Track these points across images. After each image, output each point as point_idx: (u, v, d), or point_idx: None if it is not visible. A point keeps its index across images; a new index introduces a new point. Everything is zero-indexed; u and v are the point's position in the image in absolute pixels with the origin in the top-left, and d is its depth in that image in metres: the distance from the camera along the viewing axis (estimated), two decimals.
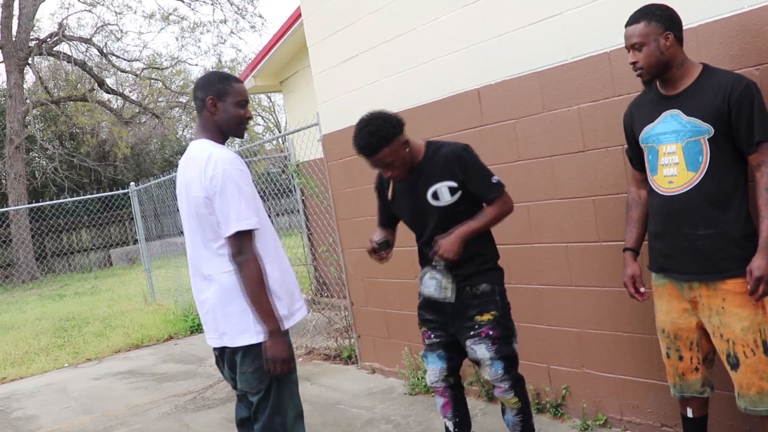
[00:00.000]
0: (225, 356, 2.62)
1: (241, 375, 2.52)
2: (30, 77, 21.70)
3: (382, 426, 3.96)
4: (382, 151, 2.72)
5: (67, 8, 27.44)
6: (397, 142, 2.74)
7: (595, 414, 3.43)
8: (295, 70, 8.91)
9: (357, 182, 4.62)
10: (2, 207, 16.83)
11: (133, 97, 24.02)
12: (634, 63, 2.43)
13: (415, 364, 4.46)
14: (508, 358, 2.83)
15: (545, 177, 3.45)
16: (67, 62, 21.12)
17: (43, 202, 13.47)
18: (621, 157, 3.01)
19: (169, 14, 23.78)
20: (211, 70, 20.89)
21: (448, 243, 2.76)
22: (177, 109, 25.10)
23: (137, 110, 23.52)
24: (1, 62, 19.24)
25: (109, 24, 22.77)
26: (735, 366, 2.37)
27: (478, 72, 3.69)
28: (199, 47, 47.79)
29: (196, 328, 7.59)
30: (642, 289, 2.64)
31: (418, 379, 4.41)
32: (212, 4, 26.26)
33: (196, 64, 34.58)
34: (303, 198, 7.73)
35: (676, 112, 2.39)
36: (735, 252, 2.32)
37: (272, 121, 31.87)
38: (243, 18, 34.53)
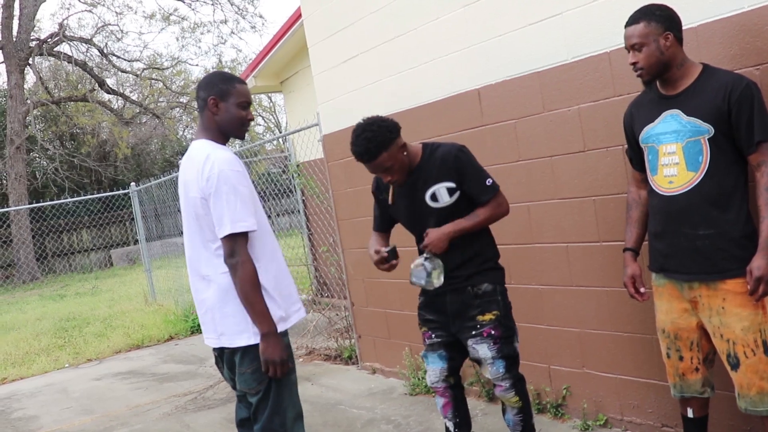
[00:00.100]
0: (224, 357, 2.62)
1: (240, 376, 2.52)
2: (30, 77, 21.74)
3: (383, 426, 3.96)
4: (381, 156, 2.72)
5: (68, 8, 27.51)
6: (394, 146, 2.74)
7: (596, 414, 3.43)
8: (295, 70, 8.91)
9: (357, 182, 4.62)
10: (3, 207, 16.85)
11: (134, 98, 24.06)
12: (634, 63, 2.43)
13: (416, 365, 4.46)
14: (509, 357, 2.83)
15: (545, 177, 3.45)
16: (68, 62, 21.14)
17: (43, 202, 13.45)
18: (621, 157, 3.01)
19: (170, 14, 23.80)
20: (213, 70, 20.99)
21: (436, 238, 2.78)
22: (177, 109, 25.13)
23: (138, 110, 23.54)
24: (2, 62, 19.27)
25: (110, 24, 22.84)
26: (735, 366, 2.37)
27: (478, 72, 3.69)
28: (199, 47, 47.84)
29: (197, 329, 7.59)
30: (642, 289, 2.64)
31: (419, 379, 4.41)
32: (213, 5, 26.32)
33: (197, 65, 34.65)
34: (303, 198, 7.73)
35: (676, 112, 2.39)
36: (735, 252, 2.32)
37: (273, 121, 31.92)
38: (243, 18, 34.59)
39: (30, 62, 19.79)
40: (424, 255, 2.82)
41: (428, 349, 3.00)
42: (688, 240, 2.39)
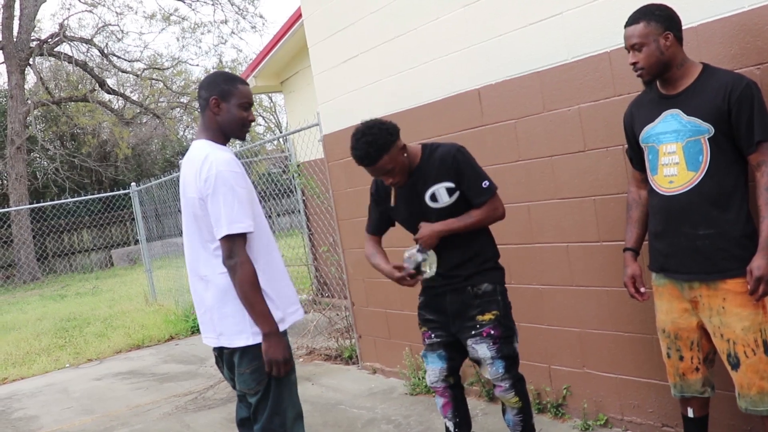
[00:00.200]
0: (224, 357, 2.62)
1: (239, 376, 2.52)
2: (31, 78, 21.76)
3: (383, 426, 3.96)
4: (382, 159, 2.72)
5: (68, 9, 27.51)
6: (395, 149, 2.74)
7: (596, 414, 3.43)
8: (295, 70, 8.91)
9: (357, 182, 4.62)
10: (3, 207, 16.86)
11: (134, 98, 24.06)
12: (634, 63, 2.43)
13: (416, 365, 4.46)
14: (509, 357, 2.83)
15: (546, 177, 3.45)
16: (68, 63, 21.14)
17: (44, 202, 13.45)
18: (621, 157, 3.01)
19: (170, 15, 23.78)
20: (213, 70, 20.99)
21: (426, 234, 2.81)
22: (178, 109, 25.14)
23: (138, 111, 23.54)
24: (3, 63, 19.29)
25: (110, 24, 22.85)
26: (735, 366, 2.37)
27: (478, 72, 3.69)
28: (200, 47, 47.81)
29: (197, 329, 7.55)
30: (642, 289, 2.64)
31: (419, 379, 4.41)
32: (213, 5, 26.35)
33: (197, 65, 34.68)
34: (304, 198, 7.73)
35: (677, 111, 2.39)
36: (735, 252, 2.32)
37: (273, 121, 31.92)
38: (244, 18, 34.52)
39: (30, 62, 19.80)
40: (418, 246, 2.85)
41: (428, 348, 3.00)
42: (688, 240, 2.38)
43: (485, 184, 2.81)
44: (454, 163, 2.80)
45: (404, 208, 2.94)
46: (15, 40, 18.96)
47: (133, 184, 11.06)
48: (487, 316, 2.81)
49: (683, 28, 2.46)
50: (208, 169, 2.39)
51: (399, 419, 4.02)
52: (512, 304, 2.95)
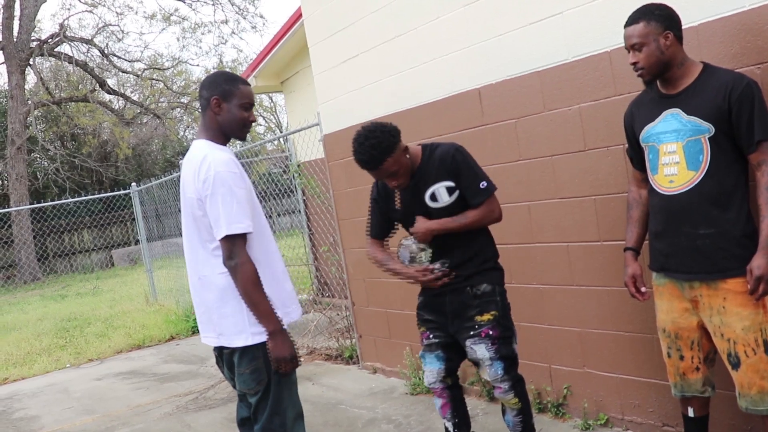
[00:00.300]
0: (224, 357, 2.63)
1: (239, 376, 2.52)
2: (31, 78, 21.76)
3: (384, 426, 3.96)
4: (386, 162, 2.72)
5: (68, 9, 27.52)
6: (398, 150, 2.74)
7: (597, 413, 3.43)
8: (296, 70, 8.91)
9: (358, 182, 4.62)
10: (4, 208, 16.86)
11: (135, 98, 24.06)
12: (634, 63, 2.43)
13: (417, 364, 4.46)
14: (507, 358, 2.82)
15: (546, 176, 3.44)
16: (69, 63, 21.15)
17: (44, 202, 13.46)
18: (622, 157, 3.00)
19: (170, 15, 23.77)
20: (214, 70, 20.98)
21: (422, 230, 2.83)
22: (178, 109, 25.14)
23: (138, 111, 23.54)
24: (3, 63, 19.29)
25: (111, 24, 22.85)
26: (736, 365, 2.37)
27: (478, 71, 3.69)
28: (200, 48, 47.90)
29: (198, 329, 7.56)
30: (643, 289, 2.64)
31: (420, 379, 4.41)
32: (213, 5, 26.32)
33: (198, 65, 34.71)
34: (304, 198, 7.73)
35: (677, 111, 2.39)
36: (736, 251, 2.32)
37: (273, 121, 31.92)
38: (244, 18, 34.50)
39: (31, 63, 19.80)
40: (413, 238, 2.88)
41: (426, 349, 3.00)
42: (688, 239, 2.38)
43: (483, 184, 2.80)
44: (453, 163, 2.80)
45: (405, 209, 2.93)
46: (15, 40, 18.97)
47: (133, 184, 11.07)
48: (486, 317, 2.81)
49: (683, 27, 2.46)
50: (206, 170, 2.39)
51: (399, 419, 4.02)
52: (513, 303, 2.95)
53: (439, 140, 3.19)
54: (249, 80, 9.27)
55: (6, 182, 20.06)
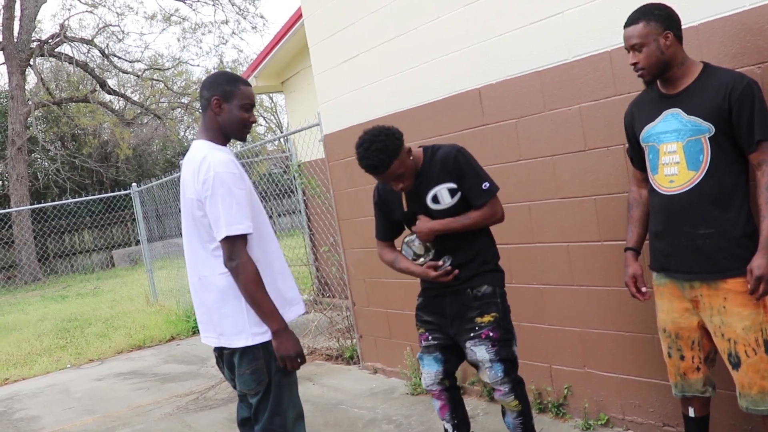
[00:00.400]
0: (224, 357, 2.62)
1: (240, 376, 2.52)
2: (32, 78, 21.77)
3: (384, 426, 3.96)
4: (393, 165, 2.70)
5: (69, 9, 27.47)
6: (403, 153, 2.74)
7: (597, 414, 3.43)
8: (296, 70, 8.91)
9: (358, 182, 4.62)
10: (5, 208, 16.86)
11: (135, 98, 24.07)
12: (634, 64, 2.42)
13: (417, 364, 4.45)
14: (507, 360, 2.81)
15: (546, 176, 3.44)
16: (69, 63, 21.16)
17: (45, 203, 13.47)
18: (622, 157, 3.00)
19: (171, 15, 23.76)
20: (214, 70, 20.99)
21: (424, 230, 2.83)
22: (179, 109, 25.14)
23: (139, 111, 23.55)
24: (3, 63, 19.30)
25: (111, 25, 22.83)
26: (736, 365, 2.37)
27: (478, 71, 3.69)
28: (200, 48, 47.95)
29: (198, 329, 7.57)
30: (643, 289, 2.63)
31: (420, 379, 4.40)
32: (213, 5, 26.31)
33: (198, 65, 34.73)
34: (305, 198, 7.73)
35: (677, 111, 2.39)
36: (736, 251, 2.31)
37: (274, 121, 31.92)
38: (244, 18, 34.50)
39: (31, 63, 19.81)
40: (416, 236, 2.88)
41: (424, 351, 2.99)
42: (688, 239, 2.38)
43: (485, 185, 2.80)
44: (455, 164, 2.79)
45: (408, 211, 2.93)
46: (15, 40, 18.97)
47: (134, 184, 11.07)
48: (486, 318, 2.80)
49: (684, 27, 2.46)
50: (206, 171, 2.39)
51: (400, 419, 4.02)
52: (513, 303, 2.95)
53: (439, 140, 3.19)
54: (249, 80, 9.26)
55: (6, 183, 20.08)
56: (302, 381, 4.05)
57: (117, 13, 35.96)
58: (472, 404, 3.93)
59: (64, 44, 20.79)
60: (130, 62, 23.45)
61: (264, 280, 2.42)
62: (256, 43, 46.55)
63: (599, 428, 3.40)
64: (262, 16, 43.80)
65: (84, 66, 21.19)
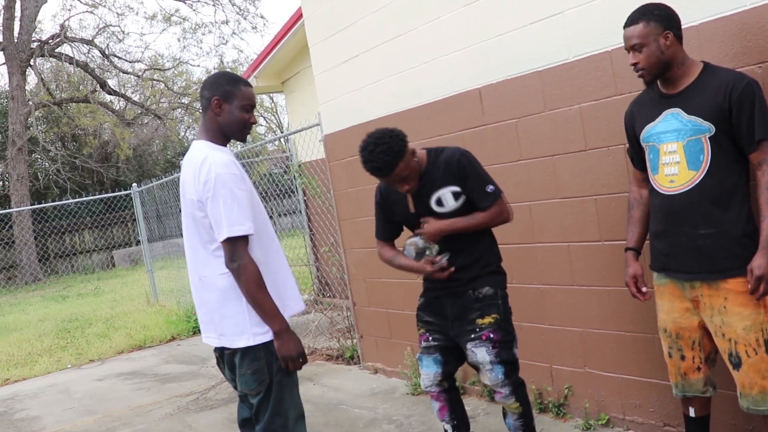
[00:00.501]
0: (225, 357, 2.62)
1: (240, 377, 2.52)
2: (32, 79, 21.78)
3: (385, 426, 3.96)
4: (399, 167, 2.69)
5: (69, 10, 27.38)
6: (407, 154, 2.73)
7: (598, 413, 3.43)
8: (296, 70, 8.91)
9: (359, 182, 4.62)
10: (5, 209, 16.87)
11: (135, 99, 24.07)
12: (635, 64, 2.42)
13: (417, 365, 4.45)
14: (508, 362, 2.81)
15: (547, 176, 3.44)
16: (69, 64, 21.15)
17: (45, 203, 13.48)
18: (622, 157, 3.00)
19: (171, 15, 23.76)
20: (215, 70, 20.99)
21: (431, 231, 2.82)
22: (179, 110, 25.14)
23: (139, 111, 23.56)
24: (3, 64, 19.31)
25: (111, 25, 22.85)
26: (737, 365, 2.37)
27: (479, 71, 3.69)
28: (200, 48, 47.93)
29: (199, 329, 7.50)
30: (644, 289, 2.63)
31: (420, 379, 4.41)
32: (214, 5, 26.31)
33: (198, 65, 34.70)
34: (305, 198, 7.73)
35: (677, 110, 2.39)
36: (736, 251, 2.31)
37: (274, 121, 31.92)
38: (245, 19, 34.46)
39: (31, 63, 19.82)
40: (420, 237, 2.87)
41: (424, 351, 2.98)
42: (689, 239, 2.38)
43: (490, 188, 2.79)
44: (458, 168, 2.79)
45: (414, 213, 2.92)
46: (16, 41, 18.98)
47: (134, 184, 11.07)
48: (487, 320, 2.80)
49: (684, 27, 2.46)
50: (207, 172, 2.39)
51: (400, 419, 4.02)
52: (513, 303, 2.95)
53: (439, 140, 3.19)
54: (250, 80, 9.26)
55: (7, 183, 20.08)
56: (303, 381, 4.05)
57: (117, 13, 35.99)
58: (472, 404, 3.94)
59: (65, 44, 20.80)
60: (130, 62, 23.47)
61: (265, 280, 2.42)
62: (257, 43, 46.60)
63: (600, 428, 3.39)
64: (262, 16, 43.85)
65: (84, 66, 21.19)
